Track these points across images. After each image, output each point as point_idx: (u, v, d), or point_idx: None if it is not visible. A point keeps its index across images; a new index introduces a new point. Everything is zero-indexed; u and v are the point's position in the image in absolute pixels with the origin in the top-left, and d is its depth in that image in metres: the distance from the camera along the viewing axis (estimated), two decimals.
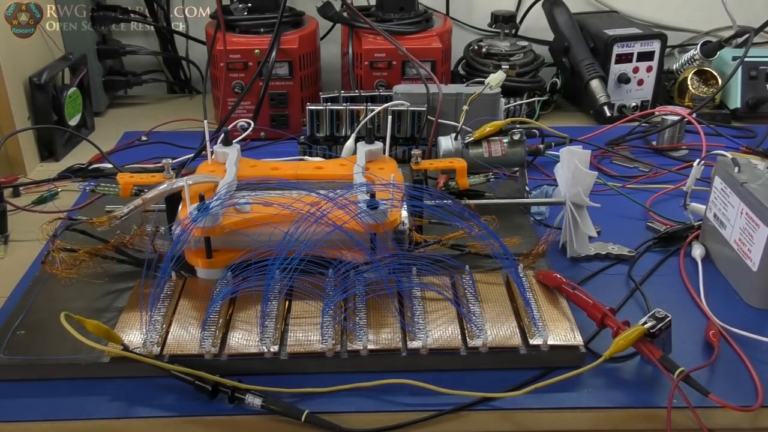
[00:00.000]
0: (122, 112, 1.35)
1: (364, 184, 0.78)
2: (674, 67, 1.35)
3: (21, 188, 1.01)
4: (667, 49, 1.33)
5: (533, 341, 0.67)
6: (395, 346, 0.67)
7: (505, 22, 1.27)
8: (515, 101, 1.22)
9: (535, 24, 1.42)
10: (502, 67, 1.21)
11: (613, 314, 0.68)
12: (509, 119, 1.00)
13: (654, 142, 1.16)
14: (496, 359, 0.67)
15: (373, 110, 1.03)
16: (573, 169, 0.79)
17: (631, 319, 0.67)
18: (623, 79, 1.27)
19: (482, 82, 1.03)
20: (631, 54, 1.27)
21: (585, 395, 0.65)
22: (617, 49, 1.26)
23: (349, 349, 0.67)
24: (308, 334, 0.68)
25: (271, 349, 0.66)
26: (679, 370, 0.61)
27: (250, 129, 1.07)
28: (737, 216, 0.78)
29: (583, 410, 0.63)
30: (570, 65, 1.30)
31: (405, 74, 1.16)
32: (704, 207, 0.87)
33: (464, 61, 1.32)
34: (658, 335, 0.64)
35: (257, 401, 0.62)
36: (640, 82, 1.30)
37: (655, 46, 1.28)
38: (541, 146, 1.07)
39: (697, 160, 0.91)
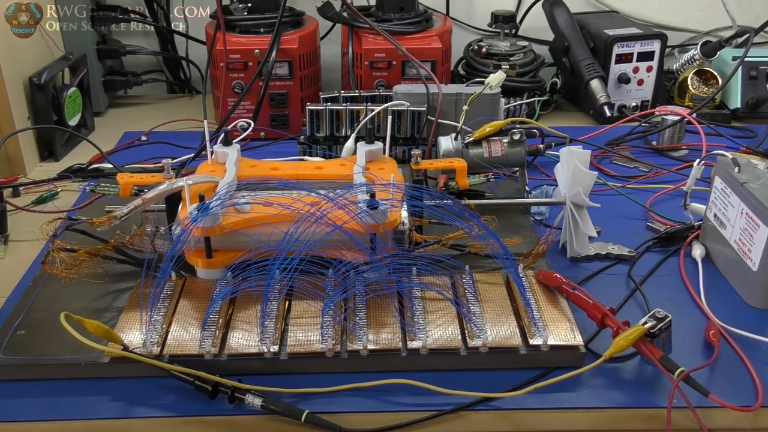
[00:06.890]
0: (122, 112, 1.35)
1: (364, 184, 0.78)
2: (674, 67, 1.35)
3: (21, 188, 1.01)
4: (667, 49, 1.33)
5: (533, 341, 0.67)
6: (395, 346, 0.67)
7: (505, 22, 1.27)
8: (515, 101, 1.22)
9: (535, 24, 1.42)
10: (502, 67, 1.21)
11: (613, 314, 0.68)
12: (509, 119, 1.00)
13: (654, 142, 1.16)
14: (496, 359, 0.67)
15: (373, 110, 1.03)
16: (573, 169, 0.79)
17: (631, 319, 0.67)
18: (623, 79, 1.27)
19: (482, 82, 1.03)
20: (631, 54, 1.27)
21: (585, 395, 0.65)
22: (617, 49, 1.26)
23: (349, 349, 0.67)
24: (308, 334, 0.68)
25: (271, 349, 0.66)
26: (679, 370, 0.61)
27: (250, 129, 1.08)
28: (737, 216, 0.78)
29: (583, 410, 0.63)
30: (570, 65, 1.30)
31: (405, 74, 1.16)
32: (704, 207, 0.86)
33: (464, 61, 1.31)
34: (658, 335, 0.64)
35: (257, 401, 0.62)
36: (640, 82, 1.30)
37: (655, 46, 1.28)
38: (541, 146, 1.07)
39: (698, 160, 0.91)
